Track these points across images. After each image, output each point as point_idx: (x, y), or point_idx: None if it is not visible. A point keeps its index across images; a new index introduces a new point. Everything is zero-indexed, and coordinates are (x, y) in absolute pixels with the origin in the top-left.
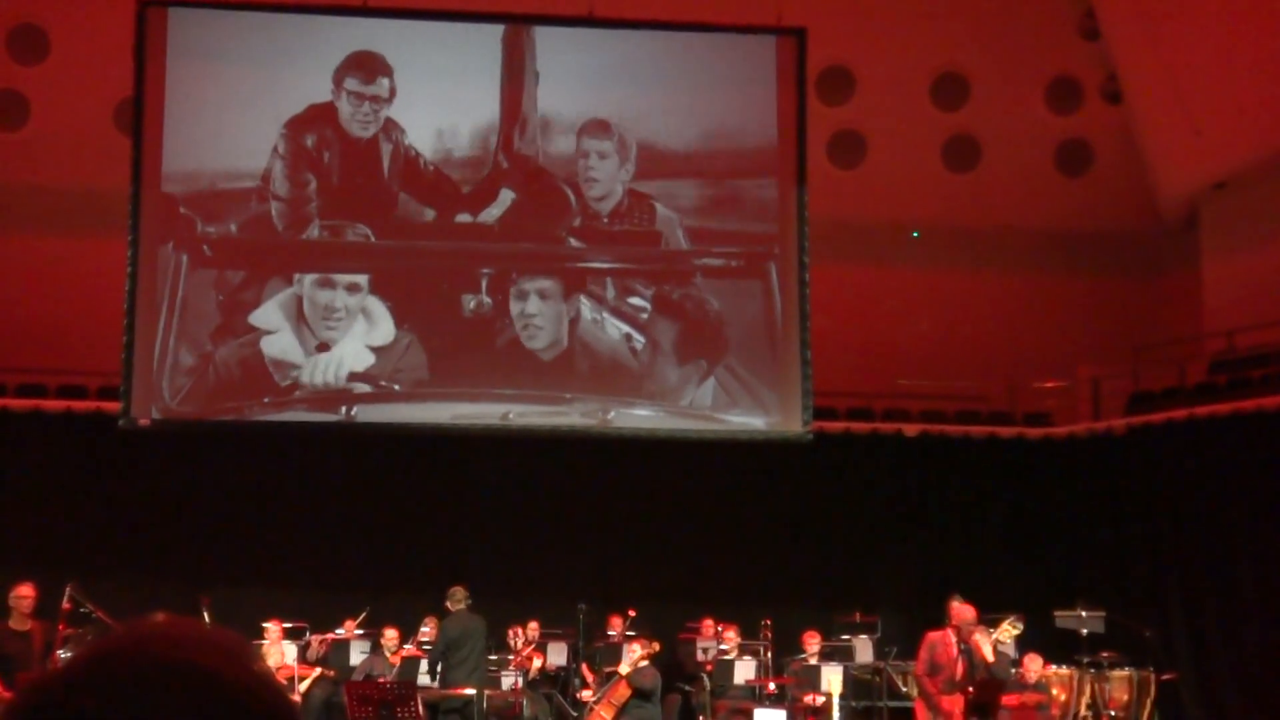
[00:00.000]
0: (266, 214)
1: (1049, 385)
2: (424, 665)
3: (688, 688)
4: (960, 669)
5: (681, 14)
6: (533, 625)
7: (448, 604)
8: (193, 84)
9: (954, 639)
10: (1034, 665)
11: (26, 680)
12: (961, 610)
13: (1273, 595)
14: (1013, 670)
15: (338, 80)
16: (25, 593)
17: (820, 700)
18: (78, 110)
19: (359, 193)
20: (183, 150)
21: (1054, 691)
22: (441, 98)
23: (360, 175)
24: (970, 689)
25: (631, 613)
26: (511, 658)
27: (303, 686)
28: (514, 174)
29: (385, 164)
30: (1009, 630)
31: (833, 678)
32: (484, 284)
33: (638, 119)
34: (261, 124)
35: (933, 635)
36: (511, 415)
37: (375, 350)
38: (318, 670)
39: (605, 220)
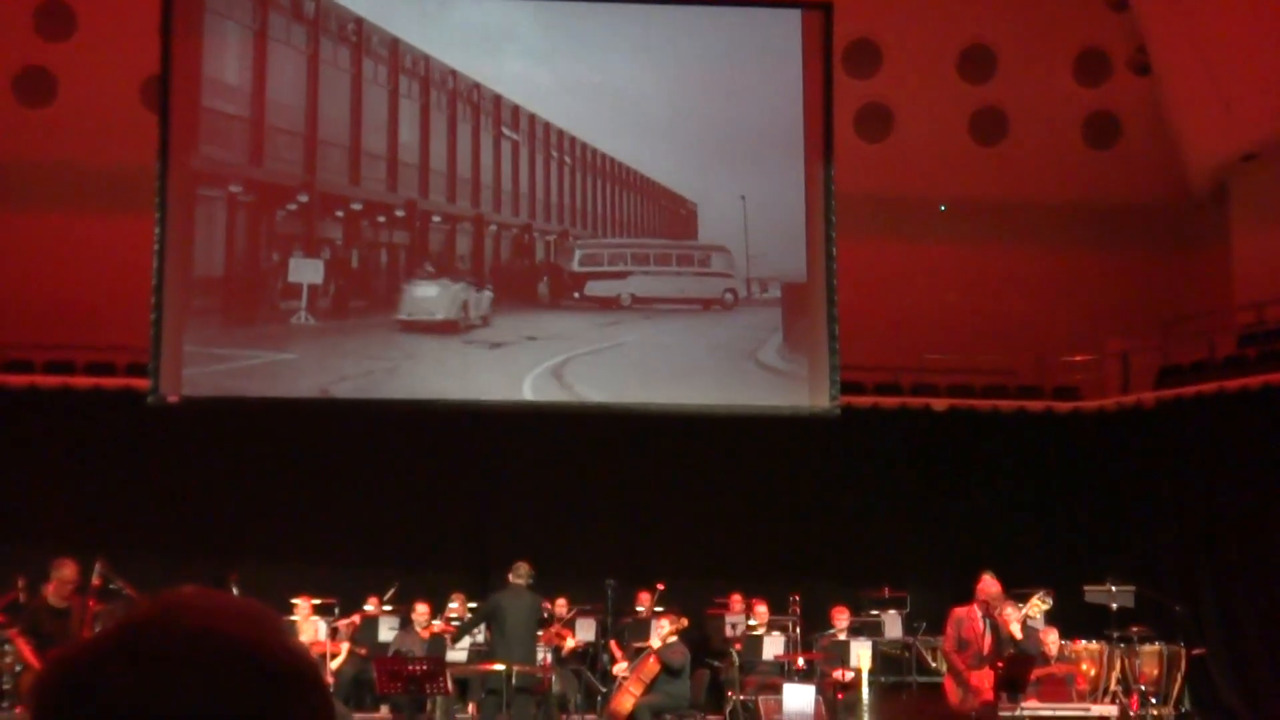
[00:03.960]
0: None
1: (1078, 359)
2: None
3: (716, 663)
4: (987, 644)
5: None
6: (561, 602)
7: (509, 576)
8: (224, 59)
9: (980, 614)
10: (1051, 638)
11: (56, 652)
12: (988, 585)
13: None
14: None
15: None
16: (68, 573)
17: (849, 676)
18: (105, 87)
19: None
20: (212, 127)
21: (1084, 666)
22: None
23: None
24: (999, 663)
25: (660, 588)
26: (541, 633)
27: (334, 665)
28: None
29: None
30: (1038, 605)
31: (862, 653)
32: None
33: (661, 95)
34: (290, 99)
35: (959, 611)
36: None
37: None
38: (347, 646)
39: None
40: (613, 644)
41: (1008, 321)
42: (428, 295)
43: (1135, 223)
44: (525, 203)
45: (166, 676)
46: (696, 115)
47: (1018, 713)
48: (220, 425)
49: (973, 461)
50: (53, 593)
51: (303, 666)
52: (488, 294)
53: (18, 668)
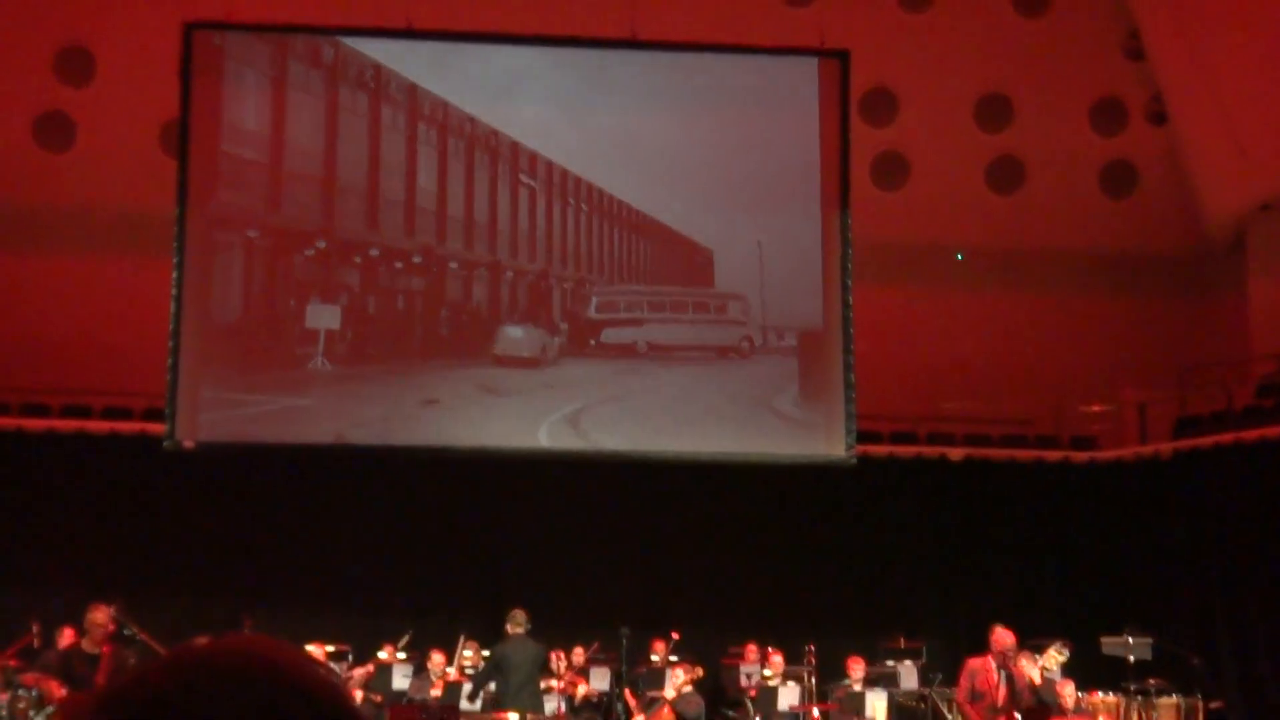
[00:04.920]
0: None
1: (1095, 409)
2: (466, 689)
3: (731, 713)
4: (1002, 695)
5: (724, 36)
6: (577, 651)
7: (507, 626)
8: (242, 105)
9: (995, 665)
10: (1068, 690)
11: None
12: (1002, 637)
13: None
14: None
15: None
16: (100, 618)
17: None
18: (124, 132)
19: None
20: (231, 172)
21: (1100, 718)
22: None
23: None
24: (1013, 714)
25: (675, 636)
26: (555, 683)
27: None
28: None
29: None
30: (1055, 656)
31: (877, 704)
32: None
33: (678, 142)
34: (309, 145)
35: (973, 662)
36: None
37: None
38: (361, 694)
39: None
40: (627, 693)
41: (1025, 371)
42: (517, 337)
43: (1152, 272)
44: (542, 249)
45: (220, 697)
46: (713, 162)
47: None
48: (236, 470)
49: (989, 511)
50: (86, 637)
51: (343, 701)
52: (559, 339)
53: (48, 709)
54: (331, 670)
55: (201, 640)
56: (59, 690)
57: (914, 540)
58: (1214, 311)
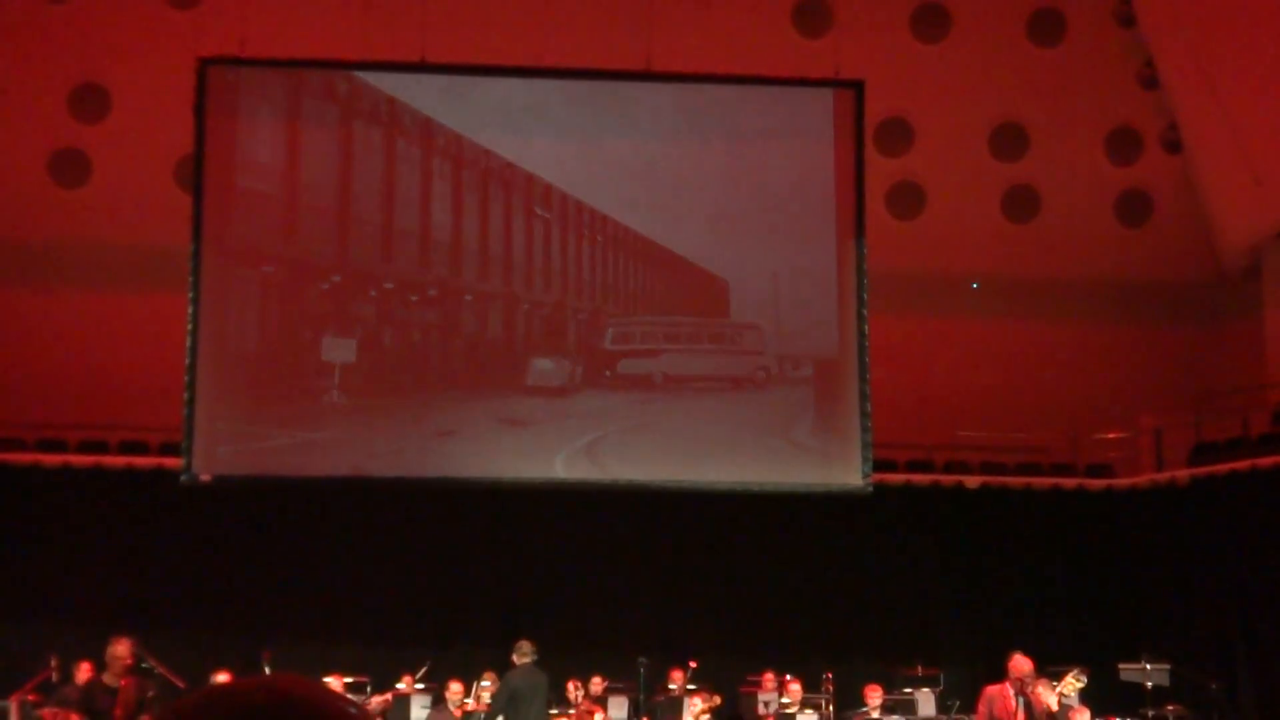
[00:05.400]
0: (331, 266)
1: (1111, 436)
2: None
3: None
4: None
5: (738, 67)
6: (595, 680)
7: (514, 657)
8: (257, 139)
9: (1013, 693)
10: (1083, 718)
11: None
12: (1020, 664)
13: None
14: None
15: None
16: (121, 651)
17: None
18: (139, 168)
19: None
20: (246, 206)
21: None
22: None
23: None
24: None
25: (693, 665)
26: (571, 712)
27: None
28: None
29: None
30: (1073, 683)
31: None
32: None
33: (693, 173)
34: (323, 179)
35: (990, 690)
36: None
37: None
38: None
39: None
40: None
41: (1040, 399)
42: (548, 368)
43: (1167, 300)
44: (557, 281)
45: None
46: (728, 193)
47: None
48: (252, 504)
49: (1006, 539)
50: (106, 670)
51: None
52: (580, 369)
53: None
54: (357, 705)
55: (230, 678)
56: None
57: (931, 568)
58: (1229, 339)
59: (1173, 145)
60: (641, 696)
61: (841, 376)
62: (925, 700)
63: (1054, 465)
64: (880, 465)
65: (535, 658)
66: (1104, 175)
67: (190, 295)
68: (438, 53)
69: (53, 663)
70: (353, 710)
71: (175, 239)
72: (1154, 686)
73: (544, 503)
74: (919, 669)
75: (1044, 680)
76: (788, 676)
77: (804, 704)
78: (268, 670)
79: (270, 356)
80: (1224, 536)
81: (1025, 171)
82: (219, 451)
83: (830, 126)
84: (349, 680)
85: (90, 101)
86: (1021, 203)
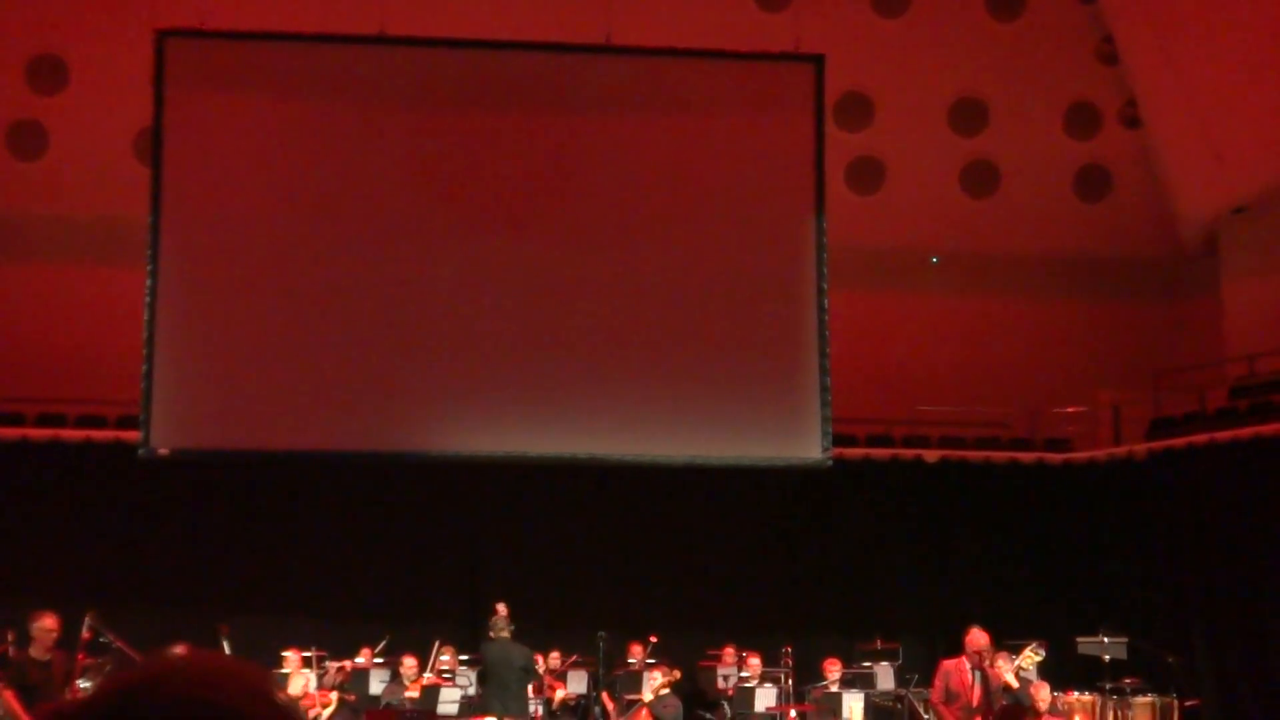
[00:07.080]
0: (288, 244)
1: (1069, 410)
2: (444, 694)
3: (709, 716)
4: (976, 696)
5: (698, 41)
6: (554, 655)
7: (490, 631)
8: (216, 113)
9: (969, 666)
10: (1043, 694)
11: (46, 710)
12: (976, 638)
13: None
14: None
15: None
16: (49, 624)
17: None
18: (97, 140)
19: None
20: (205, 179)
21: (1076, 718)
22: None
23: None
24: (989, 715)
25: (652, 640)
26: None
27: (326, 715)
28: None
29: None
30: (1031, 657)
31: (854, 705)
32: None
33: (651, 147)
34: (285, 151)
35: (947, 663)
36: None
37: None
38: (336, 695)
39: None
40: (605, 696)
41: (999, 373)
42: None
43: (1126, 275)
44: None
45: None
46: (687, 167)
47: None
48: (211, 478)
49: (965, 513)
50: (35, 645)
51: None
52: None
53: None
54: (289, 708)
55: (151, 668)
56: (13, 701)
57: (890, 542)
58: (1187, 314)
59: (1131, 121)
60: (601, 671)
61: (801, 350)
62: (884, 674)
63: (1013, 439)
64: (840, 439)
65: (511, 628)
66: (1063, 150)
67: (149, 268)
68: (397, 25)
69: (9, 637)
70: (259, 700)
71: (134, 212)
72: (1111, 660)
73: (502, 477)
74: (878, 643)
75: (1002, 654)
76: (747, 651)
77: (763, 678)
78: (225, 645)
79: (228, 330)
80: (1181, 510)
81: (984, 147)
82: (177, 425)
83: (790, 101)
84: (307, 654)
85: (48, 73)
86: (981, 178)
